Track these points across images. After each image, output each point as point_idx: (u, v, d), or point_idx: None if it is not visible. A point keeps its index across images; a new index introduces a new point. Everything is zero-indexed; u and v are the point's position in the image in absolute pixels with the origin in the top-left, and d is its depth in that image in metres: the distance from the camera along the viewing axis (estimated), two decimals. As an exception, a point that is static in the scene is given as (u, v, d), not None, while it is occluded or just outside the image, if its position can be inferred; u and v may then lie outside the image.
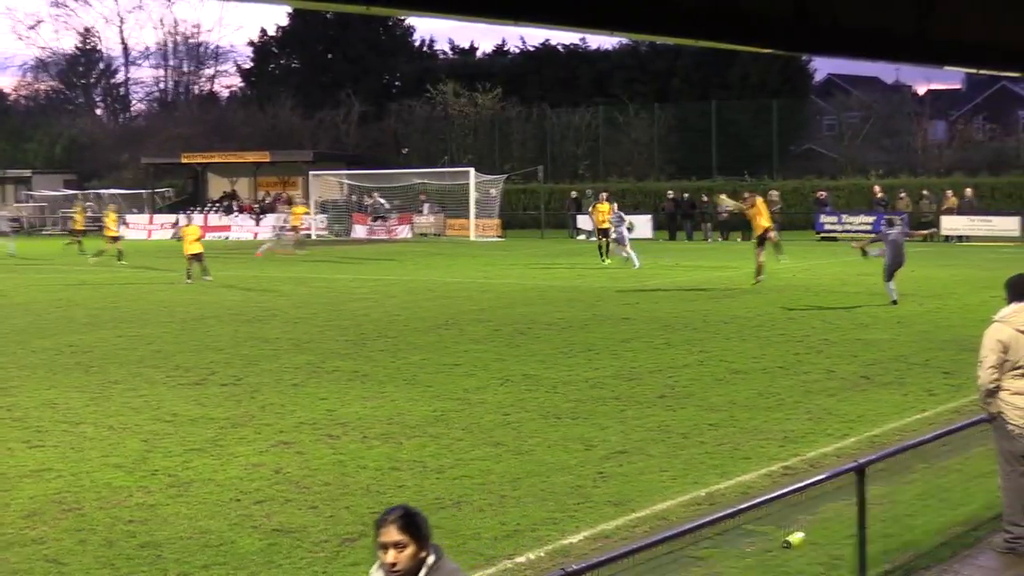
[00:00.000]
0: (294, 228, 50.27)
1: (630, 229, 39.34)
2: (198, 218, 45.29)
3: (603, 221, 39.58)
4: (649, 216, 55.07)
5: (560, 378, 17.34)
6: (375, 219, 61.96)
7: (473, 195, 58.76)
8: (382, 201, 62.75)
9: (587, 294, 29.67)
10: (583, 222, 54.72)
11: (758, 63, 68.14)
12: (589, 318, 24.60)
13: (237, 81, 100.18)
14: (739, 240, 50.08)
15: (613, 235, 38.69)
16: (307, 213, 57.43)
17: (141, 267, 42.09)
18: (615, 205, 40.84)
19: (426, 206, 62.36)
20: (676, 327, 22.89)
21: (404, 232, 60.61)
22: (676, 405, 15.21)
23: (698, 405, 15.20)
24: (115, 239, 45.86)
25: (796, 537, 9.17)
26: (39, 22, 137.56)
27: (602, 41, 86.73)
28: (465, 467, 12.17)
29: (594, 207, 42.20)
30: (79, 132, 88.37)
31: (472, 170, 59.52)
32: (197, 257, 35.53)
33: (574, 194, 60.11)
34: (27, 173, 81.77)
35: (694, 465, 12.11)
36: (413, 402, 15.64)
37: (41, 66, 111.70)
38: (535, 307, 26.86)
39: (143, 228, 66.70)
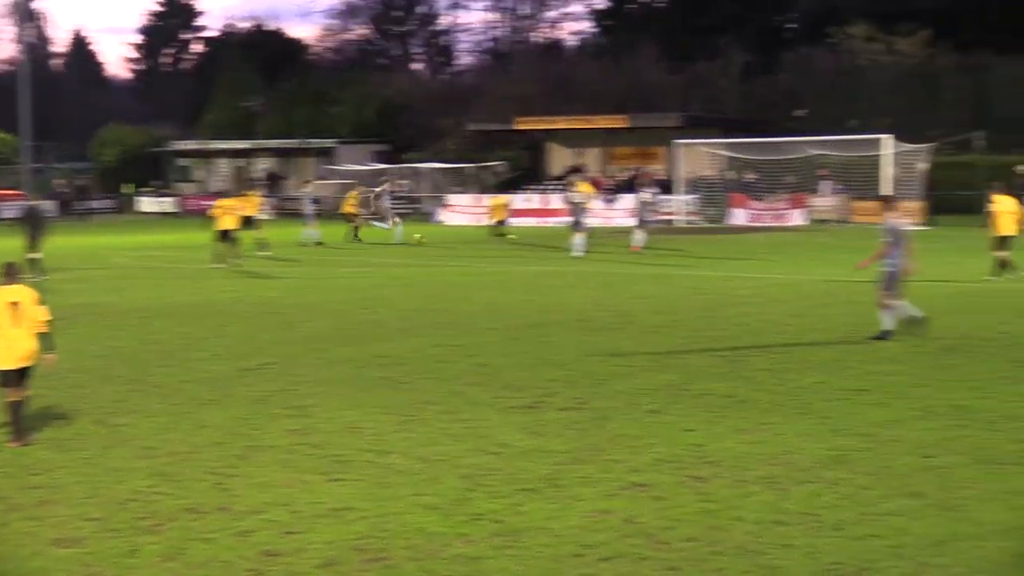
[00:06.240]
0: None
1: None
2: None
3: None
4: None
5: (1002, 411, 16.83)
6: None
7: (889, 170, 57.70)
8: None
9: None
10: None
11: None
12: (1044, 333, 23.83)
13: (587, 26, 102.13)
14: None
15: None
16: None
17: (465, 257, 43.31)
18: None
19: (825, 184, 61.64)
20: None
21: (797, 218, 60.20)
22: None
23: None
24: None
25: None
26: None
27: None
28: (872, 524, 11.97)
29: None
30: (394, 92, 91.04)
31: (889, 137, 58.46)
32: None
33: (1021, 168, 58.11)
34: (331, 143, 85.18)
35: None
36: (805, 437, 15.47)
37: (351, 11, 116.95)
38: (969, 316, 26.17)
39: (467, 211, 68.54)
